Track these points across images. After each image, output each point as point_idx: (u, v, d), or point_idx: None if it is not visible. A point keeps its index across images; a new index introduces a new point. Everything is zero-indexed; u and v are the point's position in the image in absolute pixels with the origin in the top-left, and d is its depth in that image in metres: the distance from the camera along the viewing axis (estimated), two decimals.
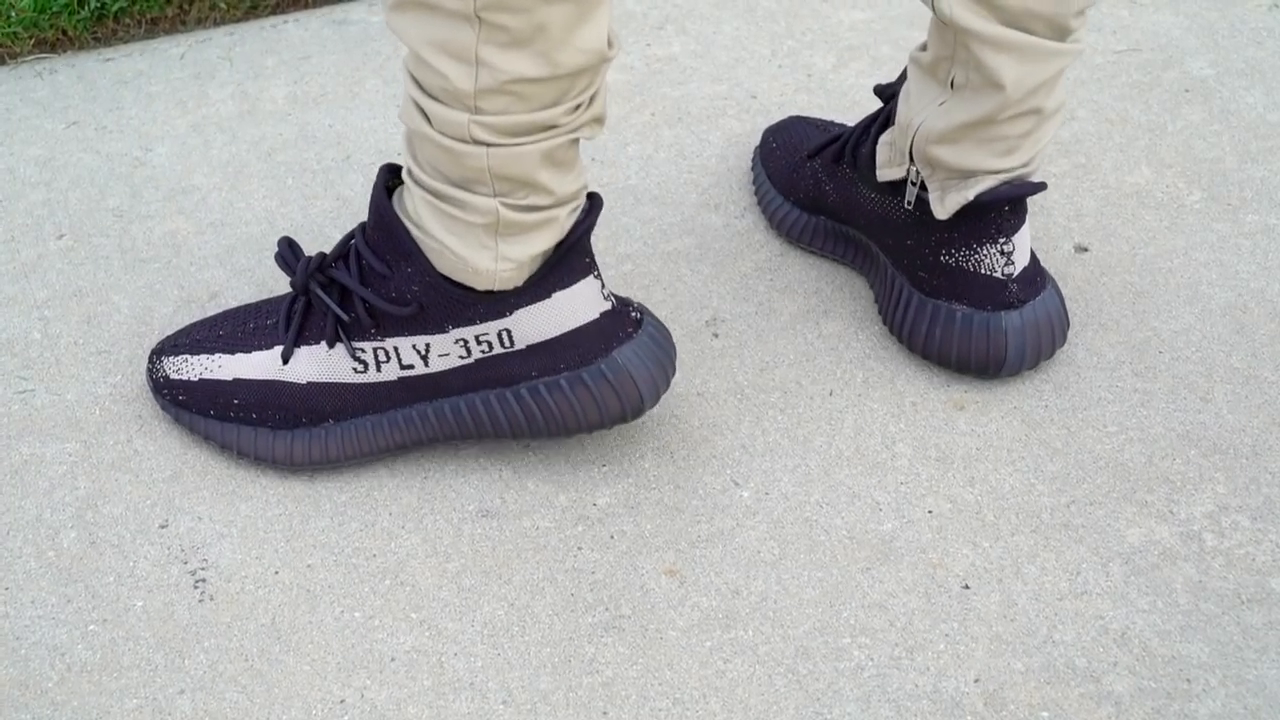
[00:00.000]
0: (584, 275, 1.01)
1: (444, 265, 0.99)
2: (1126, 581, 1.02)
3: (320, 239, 1.25)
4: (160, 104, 1.39)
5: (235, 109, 1.39)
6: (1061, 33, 1.02)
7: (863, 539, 1.04)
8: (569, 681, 0.96)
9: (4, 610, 0.99)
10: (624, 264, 1.23)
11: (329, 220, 1.27)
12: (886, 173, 1.14)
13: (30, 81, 1.42)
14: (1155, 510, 1.06)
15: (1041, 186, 1.08)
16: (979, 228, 1.09)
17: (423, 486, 1.07)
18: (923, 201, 1.12)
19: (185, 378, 1.07)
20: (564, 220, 0.99)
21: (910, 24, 1.50)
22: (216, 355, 1.07)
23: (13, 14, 1.44)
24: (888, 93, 1.18)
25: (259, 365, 1.06)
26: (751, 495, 1.07)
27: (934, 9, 1.03)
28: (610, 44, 0.92)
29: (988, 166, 1.07)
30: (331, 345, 1.04)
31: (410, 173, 0.98)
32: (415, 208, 0.98)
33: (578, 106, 0.94)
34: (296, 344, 1.05)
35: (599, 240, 1.24)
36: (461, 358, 1.02)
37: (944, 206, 1.09)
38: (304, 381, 1.05)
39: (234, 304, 1.19)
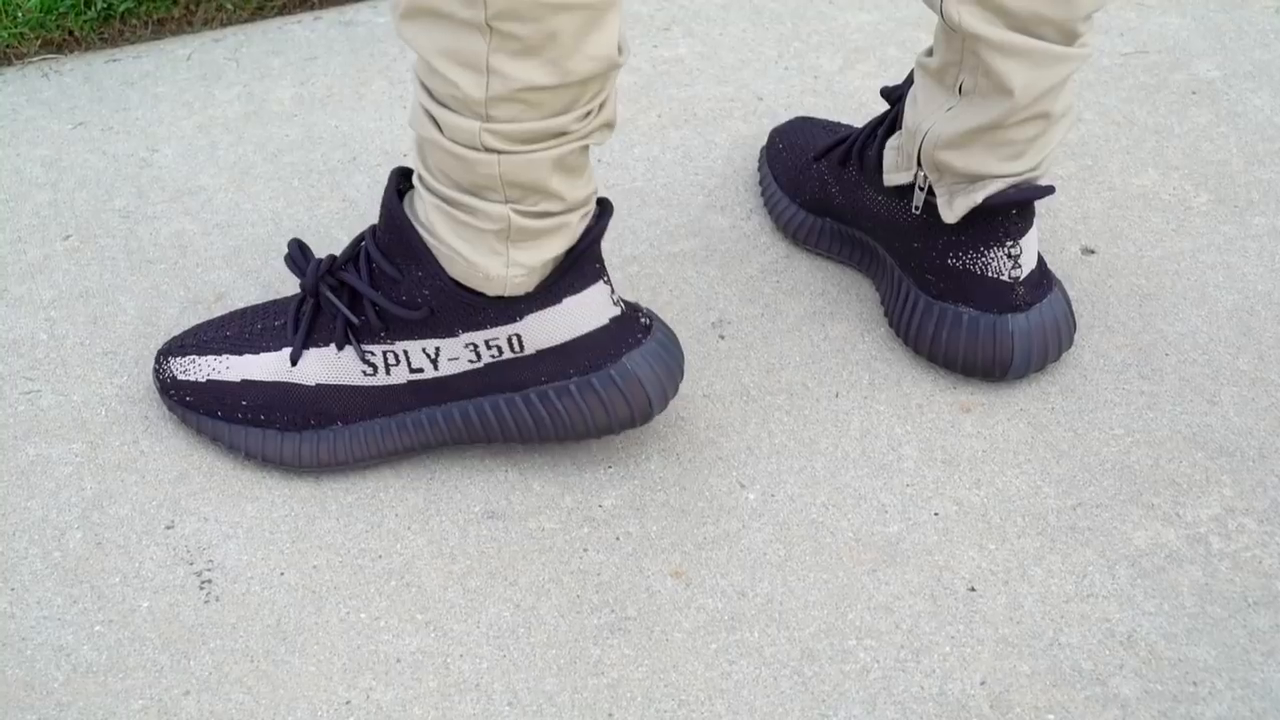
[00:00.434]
0: (594, 281, 1.01)
1: (455, 270, 0.99)
2: (1133, 584, 1.02)
3: (326, 240, 1.25)
4: (166, 105, 1.39)
5: (241, 110, 1.39)
6: (1069, 37, 1.02)
7: (868, 541, 1.04)
8: (574, 683, 0.96)
9: (10, 611, 0.99)
10: (630, 265, 1.23)
11: (335, 221, 1.27)
12: (893, 177, 1.13)
13: (36, 82, 1.42)
14: (1162, 513, 1.06)
15: (1050, 190, 1.08)
16: (986, 231, 1.09)
17: (428, 488, 1.07)
18: (930, 205, 1.12)
19: (192, 378, 1.07)
20: (575, 226, 0.99)
21: (916, 26, 1.50)
22: (224, 356, 1.07)
23: (19, 14, 1.44)
24: (894, 95, 1.18)
25: (267, 367, 1.06)
26: (757, 497, 1.07)
27: (941, 15, 1.03)
28: (620, 50, 0.92)
29: (996, 171, 1.07)
30: (341, 348, 1.04)
31: (421, 178, 0.98)
32: (426, 213, 0.98)
33: (588, 113, 0.94)
34: (305, 346, 1.05)
35: (605, 241, 1.24)
36: (471, 362, 1.03)
37: (952, 211, 1.09)
38: (312, 383, 1.05)
39: (240, 305, 1.19)
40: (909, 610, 1.00)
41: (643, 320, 1.05)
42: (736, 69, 1.45)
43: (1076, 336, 1.17)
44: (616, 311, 1.03)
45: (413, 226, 0.99)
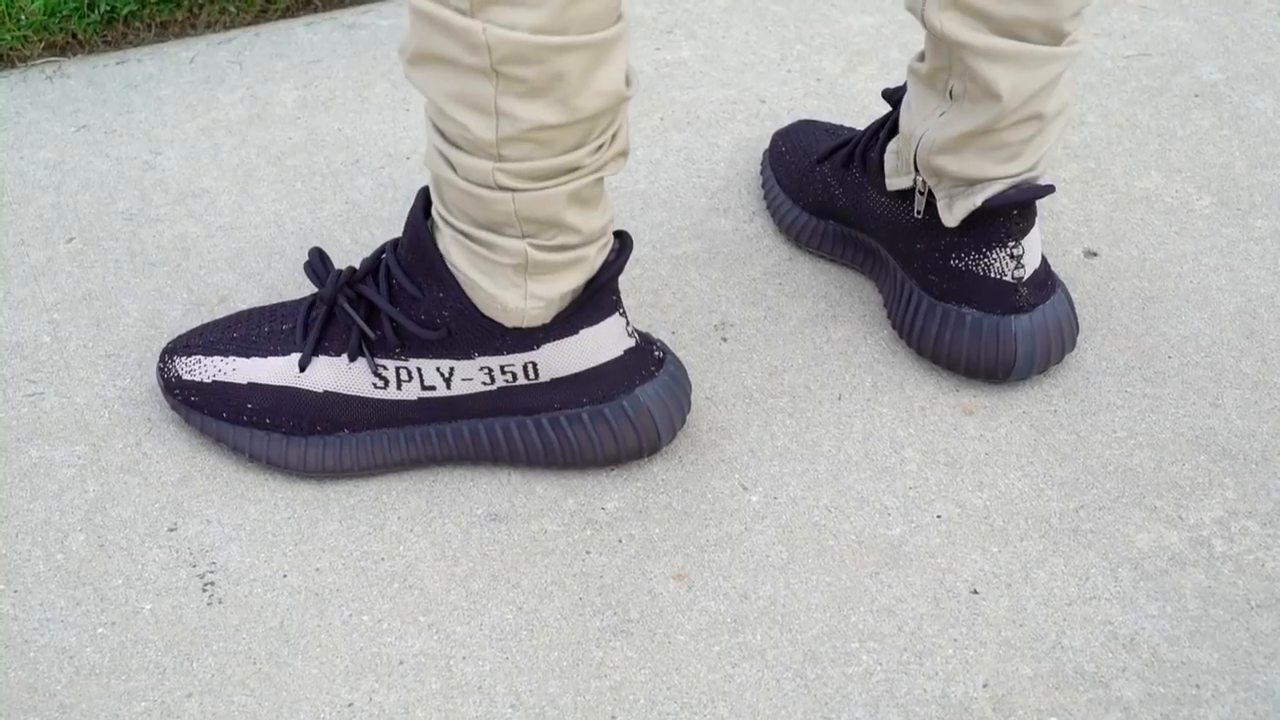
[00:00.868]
0: (610, 313, 1.02)
1: (476, 298, 0.99)
2: (1135, 587, 1.02)
3: (329, 243, 1.25)
4: (170, 108, 1.40)
5: (245, 113, 1.39)
6: (1056, 37, 1.01)
7: (871, 544, 1.04)
8: (577, 685, 0.96)
9: (13, 613, 0.99)
10: (633, 268, 1.24)
11: (338, 224, 1.28)
12: (895, 182, 1.14)
13: (40, 85, 1.42)
14: (1164, 515, 1.06)
15: (1049, 189, 1.08)
16: (989, 232, 1.09)
17: (431, 490, 1.07)
18: (931, 208, 1.12)
19: (198, 379, 1.07)
20: (593, 258, 0.99)
21: (918, 28, 1.50)
22: (230, 358, 1.07)
23: (23, 17, 1.44)
24: (896, 97, 1.18)
25: (275, 370, 1.06)
26: (760, 500, 1.07)
27: (924, 23, 1.03)
28: (628, 82, 0.92)
29: (992, 174, 1.07)
30: (353, 359, 1.04)
31: (439, 213, 0.99)
32: (445, 245, 0.99)
33: (600, 146, 0.94)
34: (315, 352, 1.05)
35: None
36: (484, 384, 1.03)
37: (952, 214, 1.09)
38: (320, 390, 1.05)
39: (243, 307, 1.19)
40: (911, 613, 1.00)
41: (656, 353, 1.06)
42: (739, 72, 1.45)
43: (1079, 338, 1.17)
44: (631, 343, 1.04)
45: (436, 249, 0.99)
